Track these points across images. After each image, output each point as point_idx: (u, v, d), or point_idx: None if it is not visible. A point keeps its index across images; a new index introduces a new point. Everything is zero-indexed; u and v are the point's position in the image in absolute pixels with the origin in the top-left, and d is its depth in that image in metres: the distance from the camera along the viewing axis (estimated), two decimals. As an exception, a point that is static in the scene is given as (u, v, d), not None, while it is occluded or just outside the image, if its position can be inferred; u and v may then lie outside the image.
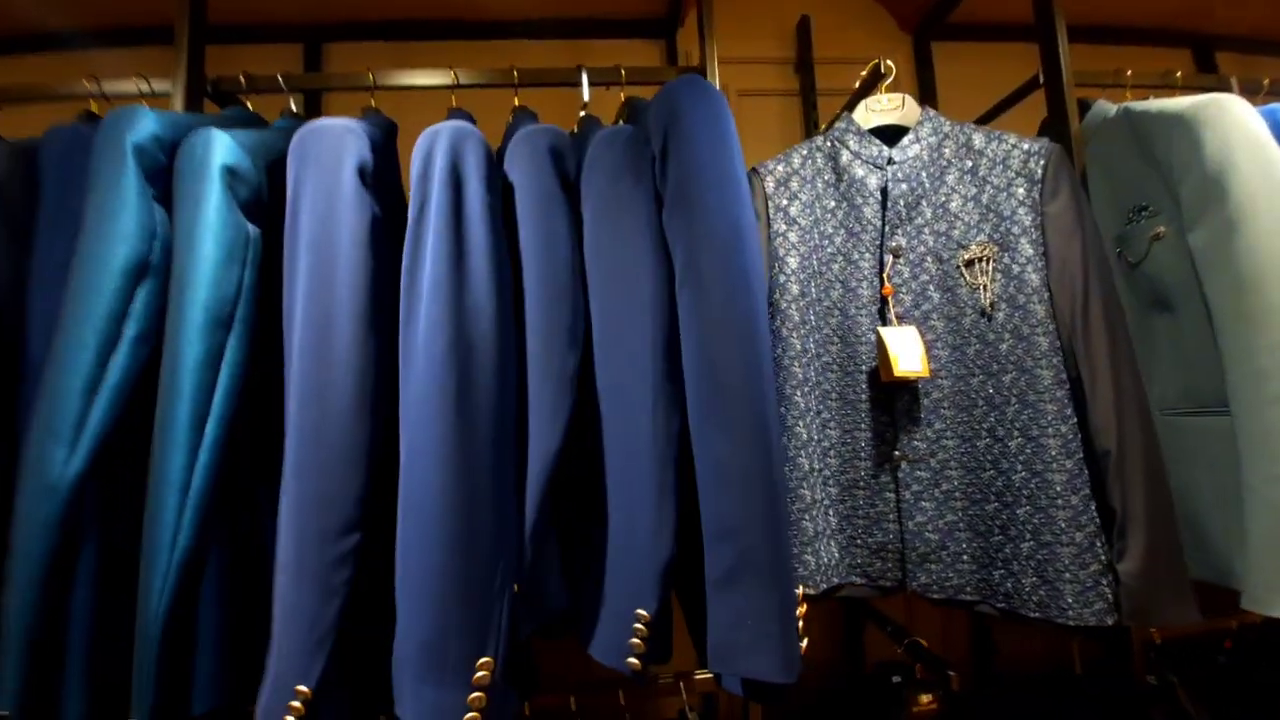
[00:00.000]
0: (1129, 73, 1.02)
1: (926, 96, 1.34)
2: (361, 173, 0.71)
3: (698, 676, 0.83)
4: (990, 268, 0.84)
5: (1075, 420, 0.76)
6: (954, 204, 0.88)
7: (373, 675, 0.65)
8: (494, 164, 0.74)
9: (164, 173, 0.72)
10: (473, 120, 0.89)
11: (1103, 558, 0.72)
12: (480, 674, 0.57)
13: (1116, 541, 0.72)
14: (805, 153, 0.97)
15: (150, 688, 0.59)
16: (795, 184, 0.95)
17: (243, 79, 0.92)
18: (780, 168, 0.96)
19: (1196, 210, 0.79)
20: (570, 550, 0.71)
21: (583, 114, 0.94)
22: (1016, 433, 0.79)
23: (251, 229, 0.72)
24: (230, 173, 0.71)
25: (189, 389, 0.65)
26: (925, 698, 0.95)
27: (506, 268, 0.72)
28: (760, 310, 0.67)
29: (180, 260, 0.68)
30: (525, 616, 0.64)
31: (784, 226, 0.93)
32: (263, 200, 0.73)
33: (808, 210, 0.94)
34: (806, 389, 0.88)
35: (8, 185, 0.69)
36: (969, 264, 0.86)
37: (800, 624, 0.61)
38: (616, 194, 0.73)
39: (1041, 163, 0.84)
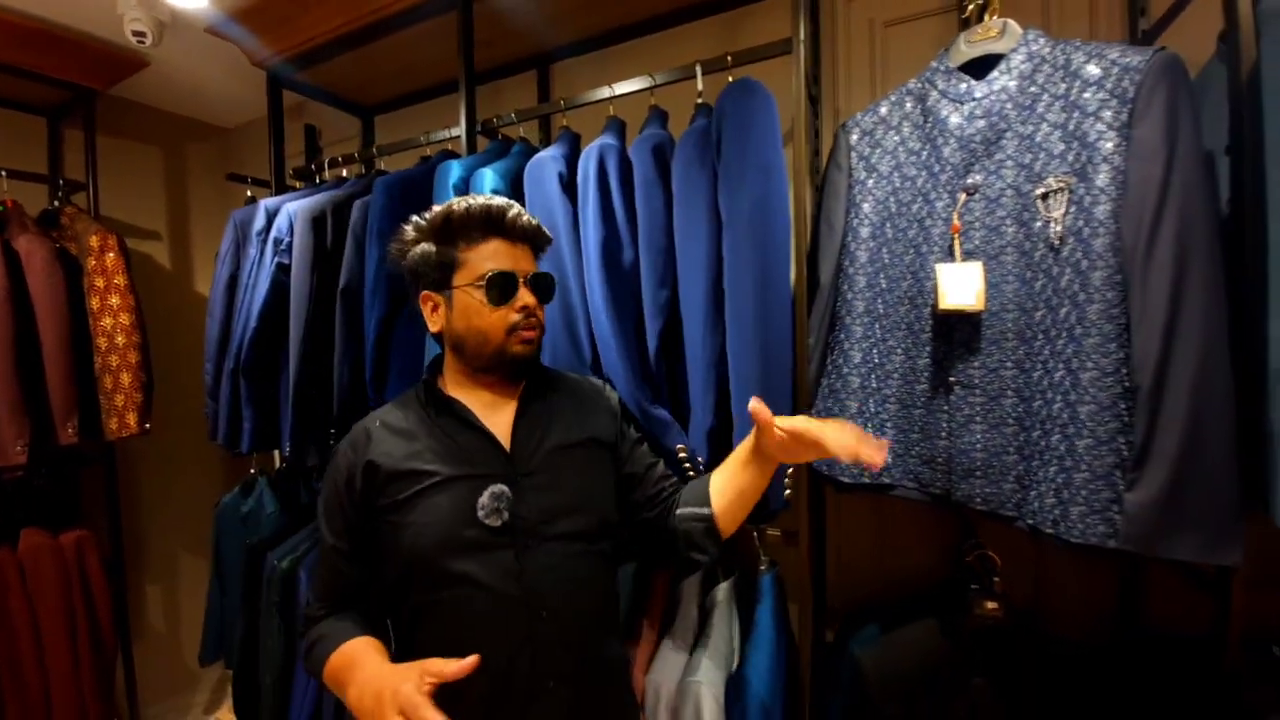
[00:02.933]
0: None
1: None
2: (561, 181, 1.14)
3: (769, 532, 1.12)
4: (1064, 200, 0.83)
5: (1119, 356, 0.76)
6: (1040, 134, 0.87)
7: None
8: (624, 163, 1.11)
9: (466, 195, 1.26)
10: (623, 125, 1.25)
11: (1119, 487, 0.74)
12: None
13: (1131, 472, 0.73)
14: (894, 99, 1.03)
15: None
16: (880, 132, 1.03)
17: (495, 120, 1.43)
18: (867, 119, 1.05)
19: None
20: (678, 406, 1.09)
21: (699, 101, 1.18)
22: (1061, 365, 0.82)
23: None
24: (494, 193, 1.21)
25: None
26: (990, 604, 1.02)
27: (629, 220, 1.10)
28: (774, 264, 0.89)
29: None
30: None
31: (864, 174, 1.04)
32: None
33: (890, 156, 1.02)
34: (868, 319, 1.02)
35: (374, 209, 1.32)
36: (1044, 198, 0.86)
37: (787, 479, 0.87)
38: (688, 177, 1.00)
39: (1137, 79, 0.77)
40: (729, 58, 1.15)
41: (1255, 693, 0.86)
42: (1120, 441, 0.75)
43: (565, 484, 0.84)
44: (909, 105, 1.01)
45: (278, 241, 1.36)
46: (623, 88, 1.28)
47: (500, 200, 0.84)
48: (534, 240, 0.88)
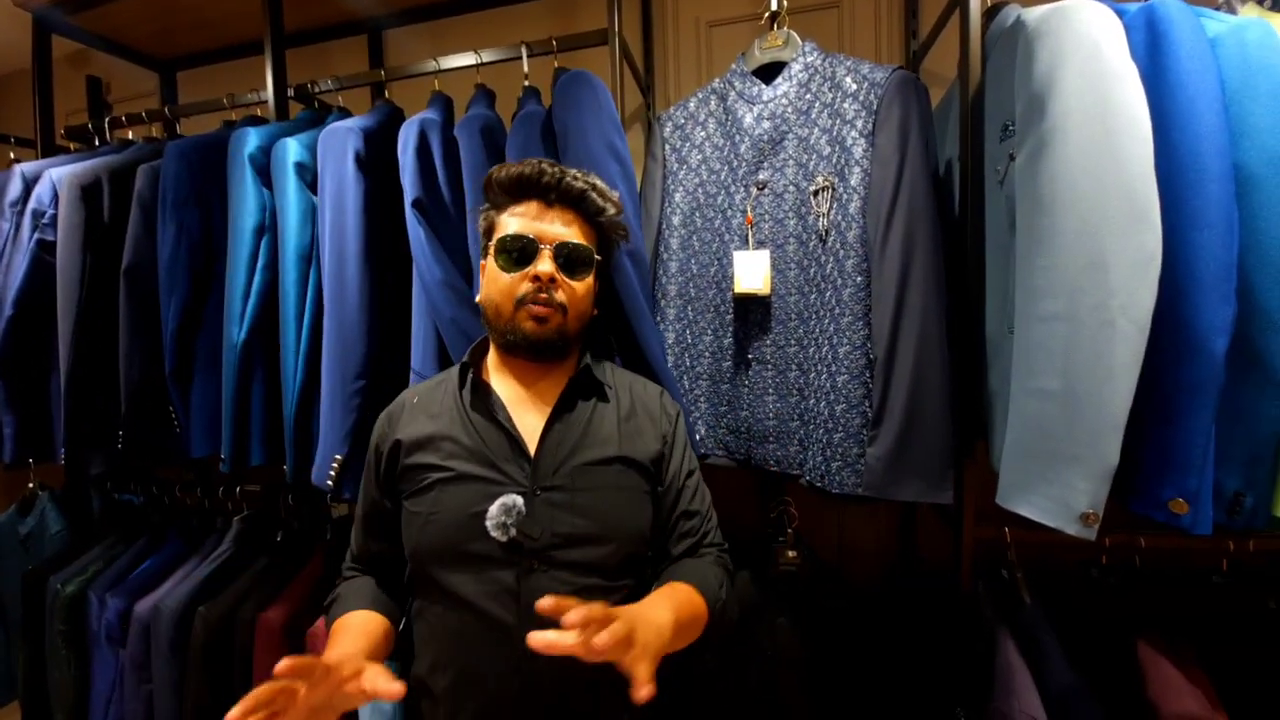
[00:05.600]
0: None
1: None
2: (358, 157, 1.08)
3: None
4: (829, 197, 0.95)
5: (865, 332, 0.89)
6: (813, 137, 0.98)
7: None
8: (447, 137, 1.08)
9: (266, 168, 1.16)
10: (449, 101, 1.21)
11: (864, 443, 0.88)
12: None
13: (871, 430, 0.87)
14: (701, 96, 1.10)
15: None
16: (690, 127, 1.10)
17: (309, 86, 1.32)
18: (679, 113, 1.12)
19: (1022, 130, 0.81)
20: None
21: (525, 84, 1.18)
22: (824, 341, 0.94)
23: (314, 199, 1.13)
24: (299, 166, 1.13)
25: (293, 295, 1.11)
26: (791, 554, 1.17)
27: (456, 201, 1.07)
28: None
29: (280, 222, 1.13)
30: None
31: (677, 166, 1.11)
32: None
33: (698, 150, 1.09)
34: (681, 302, 1.09)
35: (167, 179, 1.18)
36: (816, 194, 0.97)
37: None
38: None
39: (880, 92, 0.89)
40: (554, 42, 1.17)
41: (987, 611, 1.07)
42: (865, 406, 0.89)
43: (586, 507, 0.72)
44: (713, 103, 1.09)
45: (38, 214, 1.17)
46: (449, 63, 1.25)
47: (542, 163, 0.77)
48: (580, 205, 0.78)
